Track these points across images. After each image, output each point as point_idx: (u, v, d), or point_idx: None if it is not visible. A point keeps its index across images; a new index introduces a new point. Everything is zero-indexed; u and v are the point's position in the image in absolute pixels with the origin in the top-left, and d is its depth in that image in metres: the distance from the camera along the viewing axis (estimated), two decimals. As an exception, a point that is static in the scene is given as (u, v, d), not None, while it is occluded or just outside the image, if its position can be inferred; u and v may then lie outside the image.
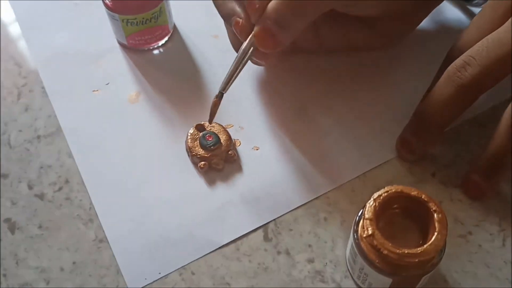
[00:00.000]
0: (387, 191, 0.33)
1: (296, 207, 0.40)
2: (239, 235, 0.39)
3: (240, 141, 0.44)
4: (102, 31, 0.50)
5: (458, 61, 0.37)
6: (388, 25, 0.43)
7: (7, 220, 0.40)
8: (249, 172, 0.42)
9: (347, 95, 0.45)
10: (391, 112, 0.44)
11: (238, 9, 0.39)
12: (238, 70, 0.39)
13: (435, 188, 0.40)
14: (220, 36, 0.50)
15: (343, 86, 0.46)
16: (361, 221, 0.33)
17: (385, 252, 0.31)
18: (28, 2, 0.53)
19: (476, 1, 0.49)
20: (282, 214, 0.40)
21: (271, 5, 0.37)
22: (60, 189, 0.41)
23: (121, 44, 0.50)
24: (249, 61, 0.40)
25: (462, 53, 0.37)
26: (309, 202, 0.40)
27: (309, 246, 0.38)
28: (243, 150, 0.43)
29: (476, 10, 0.49)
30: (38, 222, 0.40)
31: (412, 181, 0.41)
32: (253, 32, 0.38)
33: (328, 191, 0.40)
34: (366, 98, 0.45)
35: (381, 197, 0.33)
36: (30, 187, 0.42)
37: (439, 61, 0.41)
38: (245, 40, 0.39)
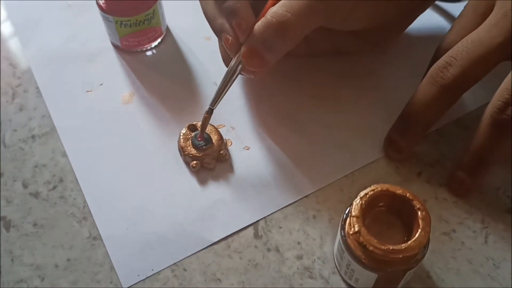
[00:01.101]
0: (373, 190, 0.34)
1: (285, 205, 0.41)
2: (230, 233, 0.40)
3: (231, 141, 0.45)
4: (95, 32, 0.51)
5: (440, 62, 0.38)
6: (374, 34, 0.44)
7: (2, 218, 0.41)
8: (240, 171, 0.43)
9: (335, 97, 0.46)
10: (378, 113, 0.45)
11: (227, 26, 0.39)
12: (227, 87, 0.40)
13: (420, 187, 0.41)
14: (211, 38, 0.50)
15: (331, 88, 0.47)
16: (348, 219, 0.34)
17: (371, 248, 0.32)
18: (21, 2, 0.54)
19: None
20: (272, 212, 0.41)
21: (257, 26, 0.37)
22: (54, 187, 0.42)
23: (114, 45, 0.51)
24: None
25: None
26: (298, 200, 0.41)
27: (298, 243, 0.39)
28: (234, 150, 0.44)
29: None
30: (33, 220, 0.41)
31: (398, 181, 0.42)
32: (240, 51, 0.39)
33: (317, 190, 0.41)
34: (354, 100, 0.46)
35: (367, 195, 0.34)
36: (25, 186, 0.42)
37: (425, 63, 0.42)
38: (234, 56, 0.40)
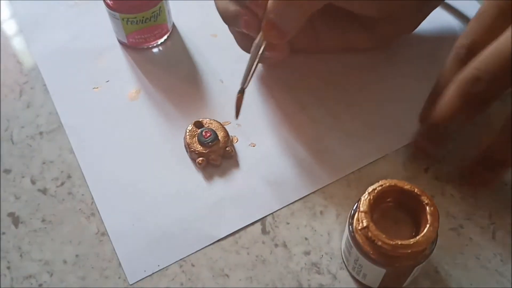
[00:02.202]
0: (381, 185, 0.34)
1: (292, 201, 0.41)
2: (236, 229, 0.40)
3: (237, 138, 0.45)
4: (101, 30, 0.51)
5: (467, 74, 0.36)
6: (386, 27, 0.44)
7: (11, 214, 0.41)
8: (246, 167, 0.43)
9: (343, 93, 0.46)
10: (386, 109, 0.45)
11: (242, 11, 0.40)
12: (255, 64, 0.41)
13: (428, 183, 0.41)
14: (218, 35, 0.51)
15: (339, 84, 0.47)
16: (356, 214, 0.34)
17: (379, 243, 0.32)
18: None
19: None
20: (279, 208, 0.41)
21: (270, 1, 0.38)
22: (62, 184, 0.42)
23: (121, 42, 0.51)
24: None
25: (469, 50, 0.37)
26: (305, 196, 0.41)
27: (306, 239, 0.39)
28: (240, 147, 0.44)
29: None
30: (41, 216, 0.41)
31: (406, 176, 0.42)
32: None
33: (324, 186, 0.42)
34: (361, 96, 0.46)
35: (376, 191, 0.34)
36: (33, 182, 0.43)
37: (432, 62, 0.42)
38: (256, 35, 0.41)
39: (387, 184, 0.34)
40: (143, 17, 0.47)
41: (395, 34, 0.47)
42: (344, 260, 0.38)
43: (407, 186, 0.34)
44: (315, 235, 0.40)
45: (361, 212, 0.33)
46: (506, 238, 0.39)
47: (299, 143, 0.44)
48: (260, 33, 0.40)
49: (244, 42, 0.44)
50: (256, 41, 0.41)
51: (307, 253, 0.39)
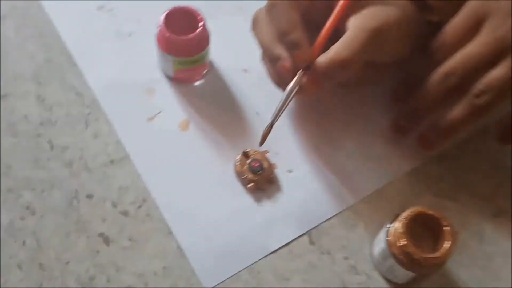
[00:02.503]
0: (411, 212, 0.46)
1: (330, 217, 0.52)
2: (287, 242, 0.50)
3: (276, 165, 0.55)
4: (147, 62, 0.59)
5: (445, 68, 0.49)
6: (386, 68, 0.55)
7: (101, 234, 0.49)
8: (288, 191, 0.53)
9: (363, 123, 0.57)
10: (388, 136, 0.57)
11: (284, 54, 0.49)
12: (285, 105, 0.49)
13: (431, 199, 0.54)
14: (248, 70, 0.60)
15: (362, 113, 0.57)
16: (391, 231, 0.46)
17: (416, 257, 0.44)
18: (77, 31, 0.60)
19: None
20: (320, 223, 0.52)
21: (322, 61, 0.47)
22: (139, 207, 0.51)
23: (166, 76, 0.58)
24: None
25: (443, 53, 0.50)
26: (339, 213, 0.52)
27: (344, 246, 0.51)
28: (280, 173, 0.54)
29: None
30: (128, 236, 0.49)
31: (413, 193, 0.54)
32: (299, 76, 0.48)
33: (353, 204, 0.53)
34: (378, 126, 0.57)
35: (409, 216, 0.46)
36: (114, 206, 0.51)
37: None
38: (290, 80, 0.49)
39: (416, 211, 0.46)
40: (193, 59, 0.55)
41: (389, 74, 0.58)
42: (376, 264, 0.49)
43: (430, 212, 0.46)
44: (350, 244, 0.51)
45: (401, 233, 0.45)
46: (496, 239, 0.52)
47: (327, 168, 0.55)
48: (295, 79, 0.49)
49: (278, 78, 0.52)
50: (290, 86, 0.49)
51: (346, 258, 0.50)
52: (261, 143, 0.51)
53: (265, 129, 0.50)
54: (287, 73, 0.49)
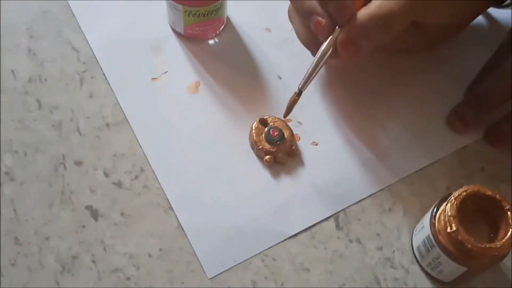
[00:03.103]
0: (465, 190, 0.37)
1: (362, 198, 0.43)
2: (308, 226, 0.42)
3: (299, 136, 0.46)
4: (155, 18, 0.51)
5: None
6: (438, 32, 0.47)
7: (88, 207, 0.42)
8: (311, 166, 0.45)
9: (400, 93, 0.49)
10: (441, 111, 0.48)
11: (319, 9, 0.40)
12: (317, 70, 0.42)
13: (483, 182, 0.45)
14: (272, 30, 0.52)
15: (400, 84, 0.49)
16: (440, 216, 0.37)
17: (469, 246, 0.35)
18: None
19: (506, 3, 0.53)
20: (349, 205, 0.43)
21: (361, 16, 0.39)
22: (136, 177, 0.43)
23: (176, 33, 0.51)
24: None
25: None
26: (373, 194, 0.44)
27: (377, 234, 0.42)
28: (303, 145, 0.46)
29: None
30: (120, 210, 0.42)
31: (463, 175, 0.45)
32: (335, 36, 0.41)
33: (390, 185, 0.44)
34: (419, 99, 0.48)
35: (461, 196, 0.37)
36: (106, 175, 0.43)
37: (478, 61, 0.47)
38: (325, 40, 0.41)
39: (471, 190, 0.37)
40: (206, 10, 0.47)
41: (446, 37, 0.49)
42: (417, 256, 0.41)
43: (488, 192, 0.37)
44: (385, 231, 0.42)
45: (450, 216, 0.36)
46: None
47: (361, 143, 0.46)
48: (329, 40, 0.41)
49: (310, 37, 0.44)
50: (323, 47, 0.41)
51: (379, 248, 0.42)
52: (286, 113, 0.44)
53: (291, 97, 0.43)
54: (321, 32, 0.41)
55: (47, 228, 0.41)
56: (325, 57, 0.41)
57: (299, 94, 0.42)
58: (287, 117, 0.44)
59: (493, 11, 0.52)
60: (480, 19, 0.52)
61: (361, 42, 0.40)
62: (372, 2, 0.40)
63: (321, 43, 0.42)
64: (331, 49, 0.41)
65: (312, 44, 0.43)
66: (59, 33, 0.50)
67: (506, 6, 0.52)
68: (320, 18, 0.41)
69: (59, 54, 0.49)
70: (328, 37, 0.41)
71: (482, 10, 0.48)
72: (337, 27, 0.41)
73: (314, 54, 0.43)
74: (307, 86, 0.42)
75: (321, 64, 0.42)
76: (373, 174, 0.45)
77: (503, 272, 0.41)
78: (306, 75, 0.42)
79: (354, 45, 0.40)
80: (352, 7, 0.40)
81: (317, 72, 0.42)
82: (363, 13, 0.39)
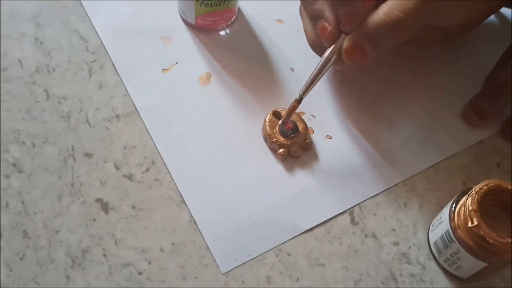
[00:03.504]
0: (486, 184, 0.36)
1: (377, 193, 0.43)
2: (322, 220, 0.41)
3: (313, 129, 0.46)
4: (165, 7, 0.50)
5: None
6: (454, 29, 0.46)
7: (99, 200, 0.41)
8: (325, 160, 0.44)
9: (416, 88, 0.48)
10: (456, 106, 0.47)
11: (327, 13, 0.39)
12: (319, 77, 0.40)
13: (500, 178, 0.43)
14: (284, 21, 0.51)
15: (411, 82, 0.48)
16: (458, 210, 0.36)
17: (491, 241, 0.34)
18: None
19: None
20: (364, 199, 0.42)
21: (370, 22, 0.38)
22: (147, 170, 0.42)
23: (186, 23, 0.50)
24: None
25: None
26: (388, 188, 0.43)
27: (393, 230, 0.41)
28: (317, 138, 0.45)
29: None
30: (131, 203, 0.41)
31: (479, 170, 0.44)
32: (339, 43, 0.39)
33: (405, 179, 0.43)
34: (433, 93, 0.48)
35: (482, 190, 0.36)
36: (117, 168, 0.42)
37: (489, 58, 0.46)
38: (329, 46, 0.40)
39: (492, 184, 0.36)
40: (218, 0, 0.47)
41: (459, 33, 0.48)
42: (434, 252, 0.40)
43: (510, 187, 0.36)
44: (401, 226, 0.41)
45: (471, 210, 0.35)
46: None
47: (376, 136, 0.45)
48: (333, 46, 0.39)
49: (317, 40, 0.42)
50: (327, 54, 0.40)
51: (395, 243, 0.41)
52: (285, 119, 0.43)
53: (291, 103, 0.42)
54: (326, 37, 0.40)
55: (57, 221, 0.40)
56: (330, 64, 0.40)
57: (299, 100, 0.41)
58: (299, 109, 0.43)
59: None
60: (492, 16, 0.52)
61: (367, 49, 0.39)
62: (380, 8, 0.38)
63: (327, 48, 0.40)
64: (334, 56, 0.40)
65: (318, 46, 0.42)
66: (66, 21, 0.49)
67: None
68: (326, 24, 0.39)
69: (66, 43, 0.47)
70: (332, 44, 0.40)
71: (494, 10, 0.47)
72: (342, 34, 0.39)
73: (320, 55, 0.41)
74: (309, 92, 0.41)
75: (324, 71, 0.40)
76: (388, 168, 0.44)
77: (520, 268, 0.40)
78: (308, 82, 0.41)
79: (360, 52, 0.39)
80: (361, 14, 0.38)
81: (320, 78, 0.41)
82: (371, 20, 0.38)
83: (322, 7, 0.39)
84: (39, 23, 0.48)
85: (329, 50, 0.40)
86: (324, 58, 0.40)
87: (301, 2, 0.43)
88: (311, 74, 0.41)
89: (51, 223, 0.40)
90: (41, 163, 0.42)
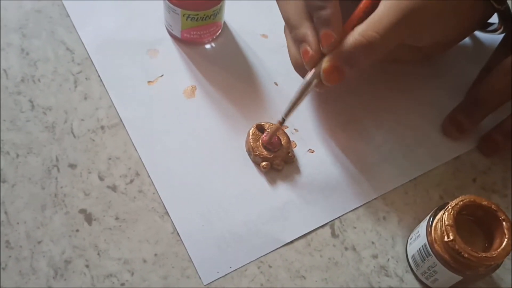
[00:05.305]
0: (462, 200, 0.37)
1: (357, 206, 0.44)
2: (304, 233, 0.42)
3: (295, 143, 0.46)
4: (151, 20, 0.51)
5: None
6: (432, 48, 0.47)
7: (82, 210, 0.41)
8: (307, 173, 0.45)
9: (395, 106, 0.49)
10: (434, 122, 0.48)
11: (310, 38, 0.40)
12: (301, 99, 0.41)
13: (475, 193, 0.45)
14: (269, 36, 0.52)
15: (391, 97, 0.49)
16: (435, 225, 0.38)
17: (466, 255, 0.36)
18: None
19: (490, 28, 0.53)
20: (344, 213, 0.43)
21: (346, 43, 0.39)
22: (131, 181, 0.43)
23: (172, 36, 0.50)
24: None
25: None
26: (368, 202, 0.44)
27: (372, 243, 0.42)
28: (299, 152, 0.46)
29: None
30: (114, 214, 0.41)
31: (456, 185, 0.45)
32: (320, 67, 0.40)
33: (384, 193, 0.44)
34: (414, 108, 0.49)
35: (458, 205, 0.37)
36: (101, 179, 0.42)
37: (467, 76, 0.48)
38: (310, 69, 0.41)
39: (467, 200, 0.37)
40: (204, 14, 0.47)
41: (437, 52, 0.50)
42: (412, 265, 0.41)
43: (484, 202, 0.37)
44: (380, 239, 0.42)
45: (447, 225, 0.36)
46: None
47: (356, 152, 0.46)
48: (313, 70, 0.40)
49: (296, 58, 0.43)
50: (308, 77, 0.41)
51: (374, 256, 0.42)
52: (267, 141, 0.44)
53: (275, 125, 0.43)
54: (307, 61, 0.41)
55: (39, 232, 0.40)
56: (310, 87, 0.41)
57: (282, 122, 0.42)
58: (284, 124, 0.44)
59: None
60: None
61: (344, 69, 0.39)
62: (356, 28, 0.39)
63: (309, 70, 0.41)
64: (314, 80, 0.41)
65: (300, 67, 0.43)
66: (53, 32, 0.49)
67: (492, 31, 0.52)
68: (308, 48, 0.40)
69: (52, 54, 0.48)
70: (313, 67, 0.41)
71: (467, 34, 0.48)
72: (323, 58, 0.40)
73: (302, 76, 0.42)
74: (290, 114, 0.42)
75: (305, 93, 0.41)
76: (368, 182, 0.45)
77: (495, 282, 0.41)
78: (290, 104, 0.42)
79: (338, 72, 0.40)
80: (339, 35, 0.39)
81: (301, 101, 0.41)
82: (347, 40, 0.39)
83: (306, 32, 0.40)
84: (26, 34, 0.49)
85: (310, 74, 0.41)
86: (305, 82, 0.41)
87: (286, 25, 0.43)
88: (293, 97, 0.41)
89: (34, 233, 0.40)
90: (25, 173, 0.42)
